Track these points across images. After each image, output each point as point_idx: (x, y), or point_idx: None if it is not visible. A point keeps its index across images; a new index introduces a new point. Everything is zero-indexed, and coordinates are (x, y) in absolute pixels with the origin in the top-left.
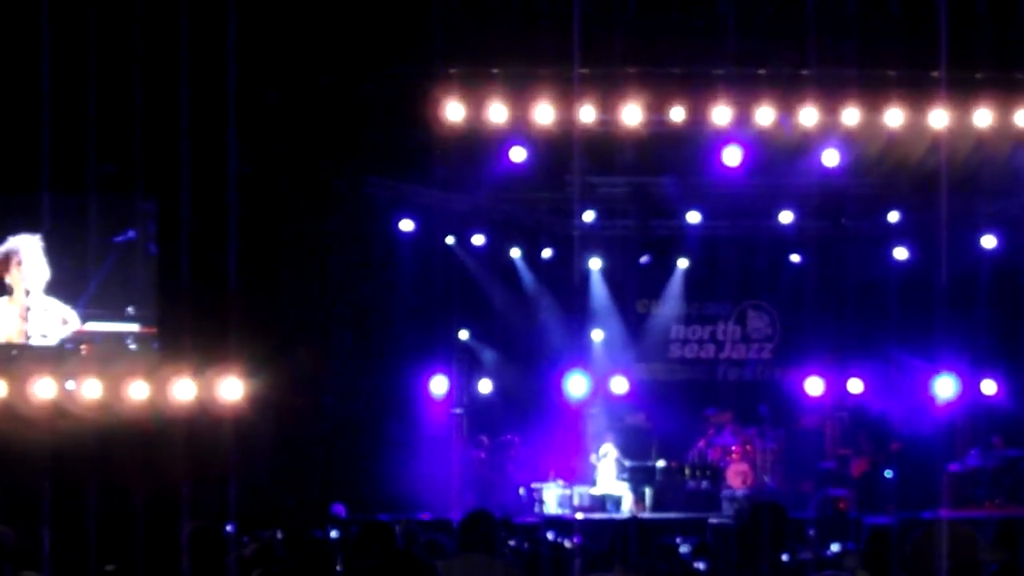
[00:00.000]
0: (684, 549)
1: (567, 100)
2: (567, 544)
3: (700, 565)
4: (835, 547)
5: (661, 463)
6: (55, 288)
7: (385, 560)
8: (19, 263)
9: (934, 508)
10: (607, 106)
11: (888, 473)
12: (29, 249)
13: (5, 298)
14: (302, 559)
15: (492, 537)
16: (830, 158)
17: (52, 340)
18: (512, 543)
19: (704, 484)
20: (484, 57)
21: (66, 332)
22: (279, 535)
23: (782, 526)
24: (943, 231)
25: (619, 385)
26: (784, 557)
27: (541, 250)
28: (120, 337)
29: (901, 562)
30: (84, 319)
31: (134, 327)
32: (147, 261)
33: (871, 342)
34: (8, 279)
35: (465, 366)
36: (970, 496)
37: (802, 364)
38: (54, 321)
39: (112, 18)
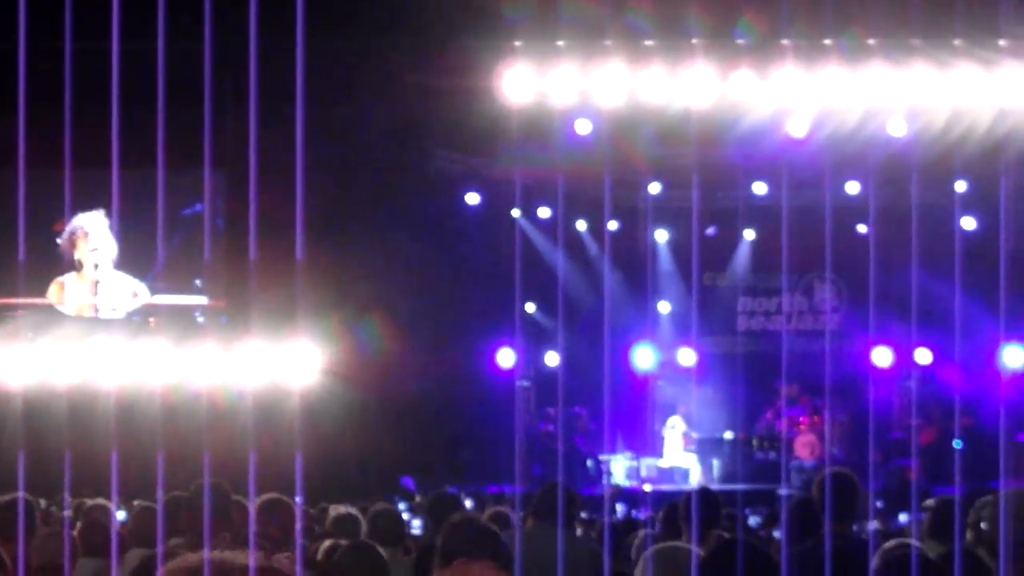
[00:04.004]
0: (754, 520)
1: (633, 72)
2: (635, 515)
3: (775, 534)
4: (903, 517)
5: (728, 435)
6: (125, 263)
7: (454, 528)
8: (84, 236)
9: (1002, 479)
10: (673, 77)
11: (957, 443)
12: (93, 225)
13: (74, 274)
14: (373, 530)
15: (570, 509)
16: (896, 128)
17: (121, 313)
18: (584, 515)
19: (772, 455)
20: (549, 30)
21: (136, 305)
22: (347, 508)
23: (851, 496)
24: (1008, 201)
25: (686, 357)
26: (853, 528)
27: (607, 222)
28: (188, 310)
29: (968, 532)
30: (153, 292)
31: (202, 300)
32: (215, 234)
33: (938, 312)
34: (77, 255)
35: (532, 339)
36: None
37: (869, 334)
38: (124, 294)
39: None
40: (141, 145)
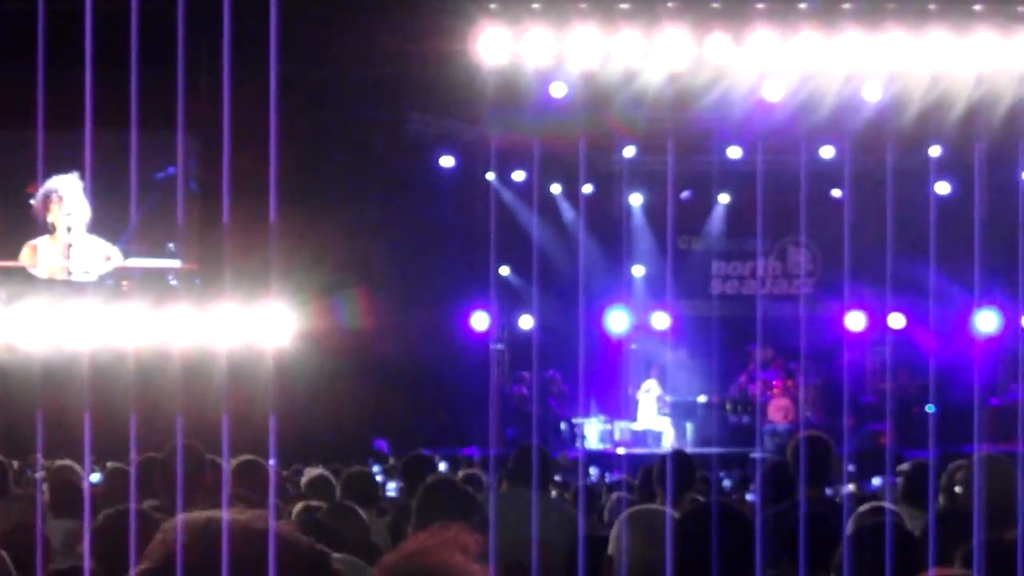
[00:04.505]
0: (727, 483)
1: (607, 35)
2: (609, 478)
3: (748, 497)
4: (876, 481)
5: (702, 398)
6: (97, 226)
7: (430, 491)
8: (59, 200)
9: (974, 442)
10: (647, 40)
11: (929, 408)
12: (67, 188)
13: (47, 237)
14: (346, 492)
15: (544, 472)
16: (871, 93)
17: (94, 276)
18: (558, 478)
19: (745, 419)
20: None
21: (109, 268)
22: (321, 470)
23: (825, 460)
24: (984, 165)
25: (660, 321)
26: (827, 491)
27: (582, 186)
28: (161, 273)
29: (941, 496)
30: (126, 255)
31: (175, 263)
32: (188, 197)
33: (912, 277)
34: (50, 218)
35: (506, 302)
36: (1010, 431)
37: (843, 299)
38: (97, 258)
39: None
40: (113, 107)
